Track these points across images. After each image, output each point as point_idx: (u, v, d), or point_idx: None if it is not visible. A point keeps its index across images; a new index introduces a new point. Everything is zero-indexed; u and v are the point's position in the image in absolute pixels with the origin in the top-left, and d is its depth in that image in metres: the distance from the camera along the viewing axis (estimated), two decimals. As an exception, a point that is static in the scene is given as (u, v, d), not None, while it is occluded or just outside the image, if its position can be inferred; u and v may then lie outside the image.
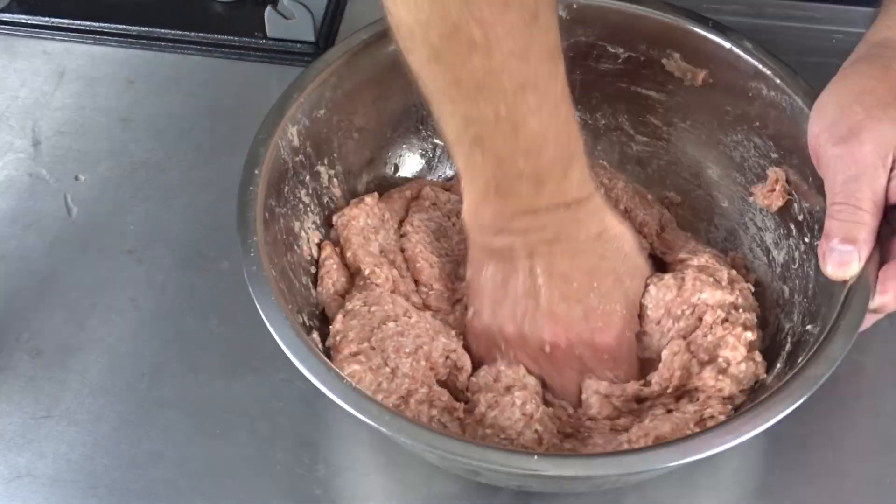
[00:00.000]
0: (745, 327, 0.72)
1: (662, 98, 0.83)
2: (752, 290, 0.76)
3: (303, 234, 0.76)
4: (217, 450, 0.75)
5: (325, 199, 0.79)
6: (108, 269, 0.84)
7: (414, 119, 0.84)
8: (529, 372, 0.72)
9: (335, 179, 0.80)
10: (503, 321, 0.72)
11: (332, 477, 0.74)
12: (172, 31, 0.98)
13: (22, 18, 1.00)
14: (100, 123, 0.93)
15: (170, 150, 0.91)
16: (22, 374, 0.79)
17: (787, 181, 0.77)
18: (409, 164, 0.85)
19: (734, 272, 0.76)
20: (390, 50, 0.79)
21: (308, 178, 0.78)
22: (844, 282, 0.67)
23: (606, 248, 0.72)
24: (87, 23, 0.99)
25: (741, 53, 0.78)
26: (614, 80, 0.83)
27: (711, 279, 0.74)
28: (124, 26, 0.99)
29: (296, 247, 0.75)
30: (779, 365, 0.71)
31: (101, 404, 0.77)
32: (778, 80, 0.77)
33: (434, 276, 0.78)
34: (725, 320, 0.72)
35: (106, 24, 0.99)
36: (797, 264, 0.75)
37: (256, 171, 0.72)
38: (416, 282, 0.78)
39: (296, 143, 0.76)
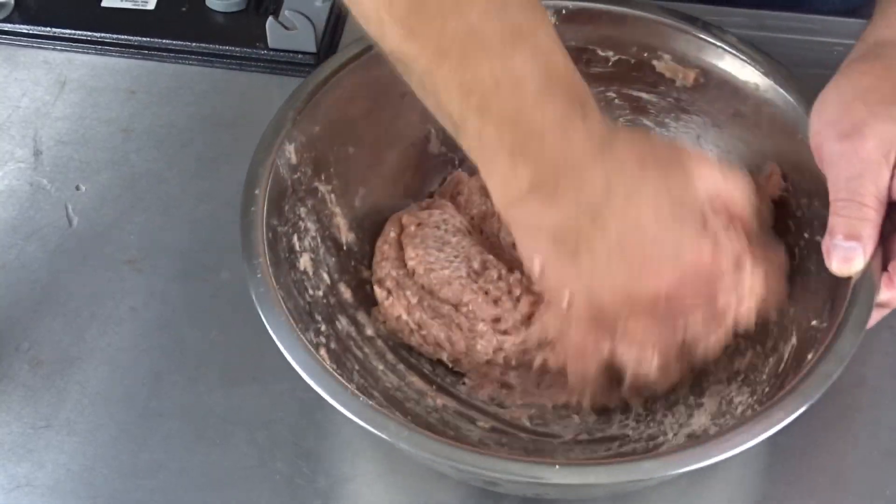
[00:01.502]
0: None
1: (654, 99, 0.84)
2: None
3: (303, 250, 0.76)
4: (217, 460, 0.75)
5: (323, 216, 0.79)
6: (109, 278, 0.84)
7: (409, 131, 0.84)
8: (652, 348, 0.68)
9: (332, 195, 0.80)
10: (602, 297, 0.66)
11: (332, 487, 0.74)
12: (174, 42, 0.98)
13: (23, 28, 1.00)
14: (101, 133, 0.93)
15: (171, 161, 0.91)
16: (22, 384, 0.79)
17: (784, 177, 0.77)
18: (405, 176, 0.85)
19: None
20: (381, 62, 0.79)
21: (306, 195, 0.78)
22: (849, 278, 0.67)
23: (656, 181, 0.65)
24: (89, 33, 0.99)
25: (731, 51, 0.79)
26: (606, 84, 0.84)
27: None
28: (125, 36, 0.99)
29: (297, 264, 0.75)
30: (787, 359, 0.71)
31: (100, 414, 0.77)
32: (769, 77, 0.77)
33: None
34: None
35: (107, 35, 0.99)
36: (797, 260, 0.75)
37: (257, 192, 0.73)
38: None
39: (294, 160, 0.76)
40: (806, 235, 0.75)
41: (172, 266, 0.85)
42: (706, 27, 0.80)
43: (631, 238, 0.64)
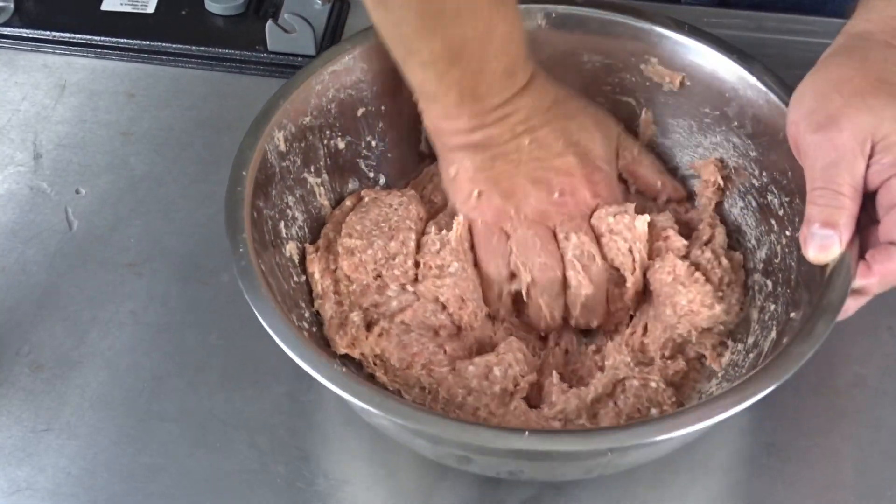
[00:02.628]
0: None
1: (642, 103, 0.84)
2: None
3: (290, 238, 0.77)
4: (217, 463, 0.75)
5: (311, 207, 0.80)
6: (109, 282, 0.84)
7: (399, 127, 0.84)
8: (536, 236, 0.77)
9: (322, 188, 0.81)
10: (506, 193, 0.77)
11: (332, 490, 0.74)
12: (173, 45, 0.98)
13: (23, 32, 1.00)
14: (100, 137, 0.94)
15: (170, 164, 0.92)
16: (22, 388, 0.79)
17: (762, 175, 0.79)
18: (394, 172, 0.86)
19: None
20: (374, 58, 0.81)
21: (295, 184, 0.78)
22: (825, 266, 0.68)
23: (569, 108, 0.79)
24: (88, 36, 0.99)
25: (717, 54, 0.80)
26: (593, 88, 0.84)
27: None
28: (125, 40, 0.99)
29: (283, 249, 0.76)
30: (766, 350, 0.72)
31: (100, 418, 0.77)
32: (754, 79, 0.78)
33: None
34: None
35: (107, 38, 0.99)
36: (779, 258, 0.76)
37: (244, 173, 0.74)
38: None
39: (282, 148, 0.77)
40: (787, 233, 0.75)
41: (172, 269, 0.85)
42: (693, 31, 0.80)
43: (544, 148, 0.77)
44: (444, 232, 0.78)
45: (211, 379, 0.79)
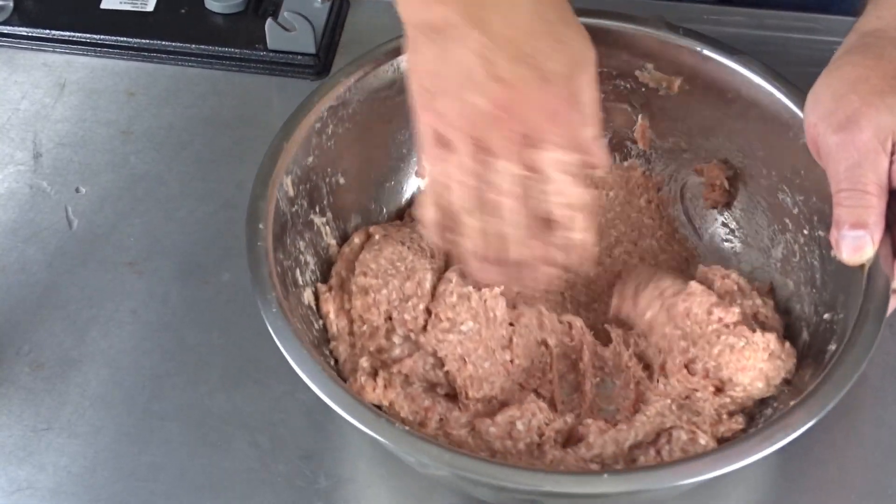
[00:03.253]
0: (764, 328, 0.72)
1: (637, 109, 0.84)
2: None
3: (305, 283, 0.75)
4: (218, 462, 0.75)
5: (320, 248, 0.79)
6: (109, 281, 0.84)
7: (397, 158, 0.84)
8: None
9: (327, 227, 0.79)
10: (450, 96, 0.68)
11: (333, 489, 0.74)
12: (173, 44, 0.98)
13: (23, 31, 1.00)
14: (100, 135, 0.93)
15: (170, 162, 0.91)
16: (22, 387, 0.79)
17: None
18: (395, 202, 0.85)
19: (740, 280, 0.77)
20: (372, 91, 0.79)
21: (304, 228, 0.77)
22: (860, 267, 0.68)
23: (547, 10, 0.69)
24: (88, 35, 0.99)
25: (715, 57, 0.79)
26: None
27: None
28: (125, 38, 0.99)
29: (302, 298, 0.74)
30: (802, 349, 0.72)
31: (101, 417, 0.77)
32: (756, 78, 0.77)
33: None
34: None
35: (106, 37, 0.99)
36: (798, 257, 0.75)
37: (261, 226, 0.72)
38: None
39: (291, 193, 0.75)
40: (805, 231, 0.75)
41: (172, 268, 0.85)
42: (689, 34, 0.80)
43: (496, 49, 0.66)
44: (469, 288, 0.75)
45: (211, 378, 0.79)
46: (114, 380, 0.79)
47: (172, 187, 0.90)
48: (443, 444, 0.64)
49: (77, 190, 0.90)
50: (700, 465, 0.62)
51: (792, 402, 0.65)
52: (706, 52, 0.79)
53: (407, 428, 0.64)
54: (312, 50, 0.97)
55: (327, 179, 0.79)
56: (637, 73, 0.82)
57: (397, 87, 0.79)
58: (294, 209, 0.76)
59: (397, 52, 0.79)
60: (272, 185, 0.74)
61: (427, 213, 0.71)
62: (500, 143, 0.68)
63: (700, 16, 0.84)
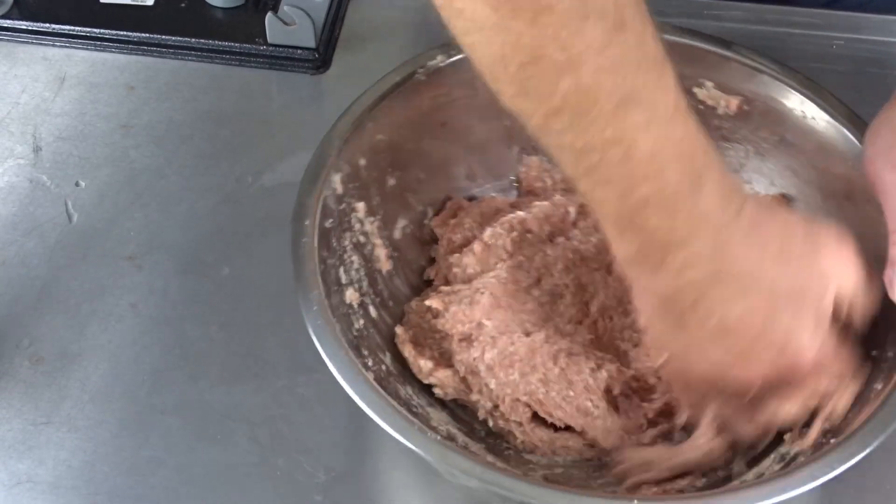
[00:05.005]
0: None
1: None
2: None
3: (349, 283, 0.75)
4: (217, 456, 0.75)
5: (366, 250, 0.78)
6: (109, 275, 0.84)
7: (447, 162, 0.83)
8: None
9: (374, 226, 0.78)
10: (693, 372, 0.67)
11: (332, 484, 0.74)
12: (173, 38, 0.98)
13: (22, 25, 1.00)
14: (100, 130, 0.93)
15: (170, 157, 0.91)
16: (22, 381, 0.79)
17: None
18: (436, 202, 0.84)
19: None
20: (422, 92, 0.79)
21: (351, 226, 0.76)
22: None
23: (785, 268, 0.63)
24: (88, 29, 0.99)
25: (776, 77, 0.77)
26: None
27: None
28: (125, 32, 0.99)
29: (344, 297, 0.73)
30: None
31: (101, 411, 0.77)
32: (816, 104, 0.76)
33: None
34: None
35: (106, 31, 0.99)
36: None
37: (307, 223, 0.71)
38: None
39: (339, 190, 0.75)
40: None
41: (172, 262, 0.85)
42: (750, 53, 0.78)
43: (735, 324, 0.63)
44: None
45: (211, 372, 0.79)
46: (113, 374, 0.79)
47: (172, 181, 0.90)
48: (475, 458, 0.64)
49: (77, 184, 0.90)
50: (732, 497, 0.62)
51: (835, 440, 0.64)
52: (768, 72, 0.77)
53: (439, 438, 0.64)
54: (312, 44, 0.97)
55: (377, 181, 0.78)
56: (696, 89, 0.79)
57: (452, 89, 0.78)
58: (342, 207, 0.75)
59: (448, 51, 0.78)
60: (321, 181, 0.73)
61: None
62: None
63: (700, 11, 0.84)
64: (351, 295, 0.74)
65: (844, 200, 0.75)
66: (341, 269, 0.74)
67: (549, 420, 0.73)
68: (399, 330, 0.76)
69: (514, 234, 0.79)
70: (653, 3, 0.71)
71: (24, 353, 0.80)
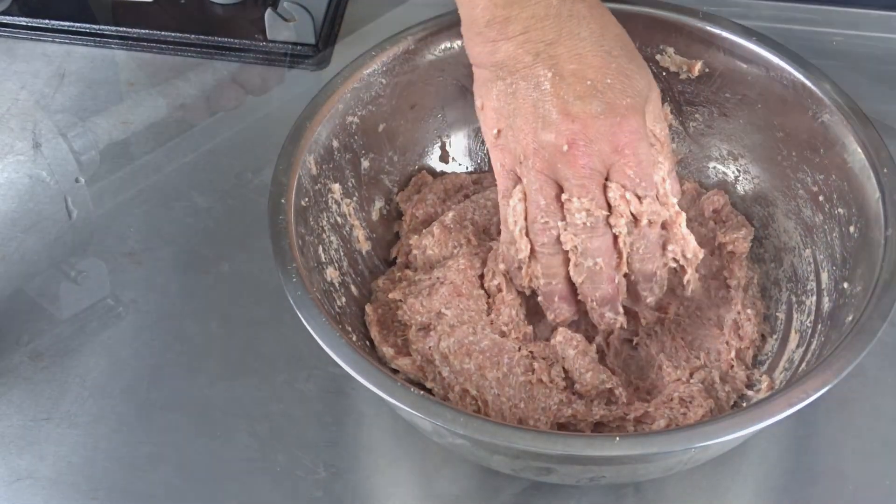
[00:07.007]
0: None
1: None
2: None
3: (328, 262, 0.76)
4: (217, 452, 0.75)
5: (345, 230, 0.79)
6: (108, 271, 0.84)
7: (419, 143, 0.84)
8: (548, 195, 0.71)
9: (350, 209, 0.80)
10: (520, 133, 0.70)
11: (332, 479, 0.74)
12: (172, 34, 0.98)
13: (22, 21, 1.00)
14: (100, 126, 0.93)
15: (170, 153, 0.92)
16: (22, 377, 0.79)
17: None
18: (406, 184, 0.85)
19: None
20: (392, 75, 0.80)
21: (327, 206, 0.77)
22: (880, 245, 0.69)
23: (613, 46, 0.70)
24: (87, 25, 0.99)
25: (736, 39, 0.79)
26: None
27: None
28: (124, 29, 0.99)
29: (325, 274, 0.74)
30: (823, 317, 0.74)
31: (101, 407, 0.77)
32: (776, 59, 0.78)
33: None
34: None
35: (106, 27, 0.99)
36: (822, 233, 0.76)
37: (283, 201, 0.72)
38: None
39: (314, 171, 0.76)
40: (826, 209, 0.75)
41: (172, 258, 0.85)
42: (707, 17, 0.80)
43: (564, 85, 0.68)
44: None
45: (211, 368, 0.79)
46: (113, 370, 0.79)
47: (172, 178, 0.90)
48: (459, 410, 0.64)
49: (77, 180, 0.90)
50: (710, 430, 0.62)
51: (807, 368, 0.66)
52: (726, 34, 0.79)
53: (422, 393, 0.64)
54: (312, 40, 0.97)
55: (350, 162, 0.80)
56: (658, 57, 0.82)
57: (422, 72, 0.80)
58: (317, 187, 0.76)
59: (423, 36, 0.80)
60: (295, 162, 0.74)
61: (503, 251, 0.74)
62: (572, 179, 0.69)
63: (698, 6, 0.84)
64: (331, 273, 0.75)
65: (808, 150, 0.77)
66: (320, 248, 0.75)
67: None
68: (368, 309, 0.77)
69: (475, 216, 0.80)
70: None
71: (23, 349, 0.80)
